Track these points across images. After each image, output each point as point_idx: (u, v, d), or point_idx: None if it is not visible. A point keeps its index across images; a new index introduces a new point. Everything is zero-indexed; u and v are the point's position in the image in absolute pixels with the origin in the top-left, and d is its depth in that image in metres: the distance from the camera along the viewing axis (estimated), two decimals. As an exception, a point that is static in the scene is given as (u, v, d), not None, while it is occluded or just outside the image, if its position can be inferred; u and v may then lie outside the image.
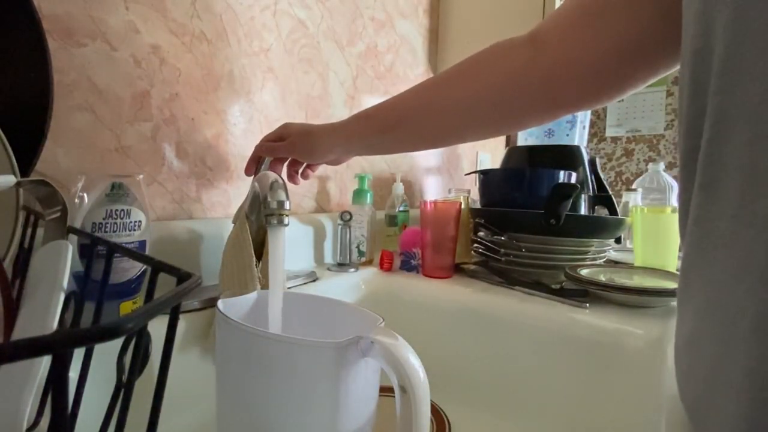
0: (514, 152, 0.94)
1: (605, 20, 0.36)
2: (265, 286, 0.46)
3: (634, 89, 0.40)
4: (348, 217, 0.73)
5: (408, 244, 0.77)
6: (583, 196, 0.82)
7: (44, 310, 0.24)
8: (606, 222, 0.70)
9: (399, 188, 0.91)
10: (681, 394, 0.25)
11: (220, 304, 0.34)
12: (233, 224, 0.49)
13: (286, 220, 0.40)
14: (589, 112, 1.02)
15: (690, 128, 0.24)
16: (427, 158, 1.20)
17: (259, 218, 0.49)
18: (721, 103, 0.21)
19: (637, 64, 0.37)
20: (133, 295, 0.42)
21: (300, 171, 0.60)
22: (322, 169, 0.83)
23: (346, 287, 0.68)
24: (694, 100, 0.23)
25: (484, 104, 0.44)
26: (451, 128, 0.48)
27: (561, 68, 0.40)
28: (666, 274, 0.64)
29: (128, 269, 0.40)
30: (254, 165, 0.57)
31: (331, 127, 0.54)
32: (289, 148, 0.55)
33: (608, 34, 0.36)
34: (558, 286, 0.60)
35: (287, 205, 0.41)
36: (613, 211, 0.86)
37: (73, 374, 0.25)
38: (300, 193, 0.79)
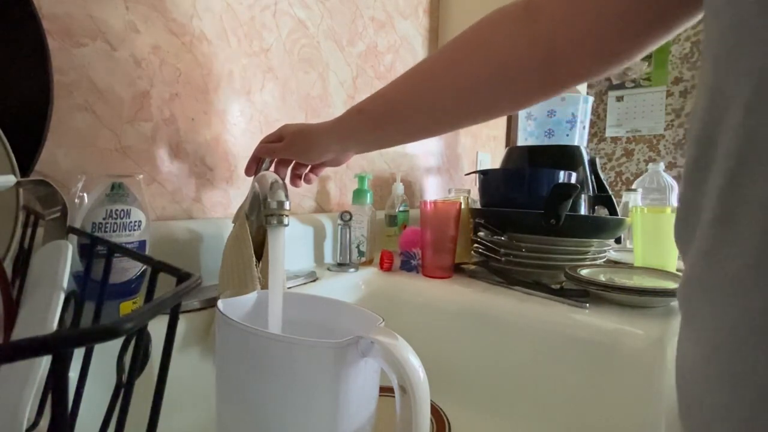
0: (514, 152, 0.94)
1: None
2: (265, 286, 0.46)
3: (645, 50, 0.36)
4: (348, 217, 0.73)
5: (408, 244, 0.77)
6: (583, 196, 0.82)
7: (44, 310, 0.24)
8: (606, 222, 0.70)
9: (399, 188, 0.91)
10: None
11: (220, 304, 0.34)
12: (233, 224, 0.49)
13: (285, 220, 0.40)
14: (589, 112, 1.01)
15: (702, 135, 0.21)
16: (427, 158, 1.20)
17: (259, 218, 0.49)
18: (750, 130, 0.18)
19: (646, 21, 0.33)
20: (133, 295, 0.42)
21: (303, 174, 0.59)
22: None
23: (346, 287, 0.68)
24: (713, 103, 0.20)
25: (482, 86, 0.41)
26: (446, 116, 0.45)
27: (560, 34, 0.36)
28: (666, 274, 0.64)
29: (128, 269, 0.40)
30: (254, 166, 0.57)
31: (326, 126, 0.53)
32: (286, 149, 0.55)
33: None
34: (558, 286, 0.60)
35: (287, 206, 0.41)
36: (613, 211, 0.86)
37: (73, 374, 0.25)
38: (300, 193, 0.79)
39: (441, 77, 0.43)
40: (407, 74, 0.46)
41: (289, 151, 0.55)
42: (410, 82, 0.46)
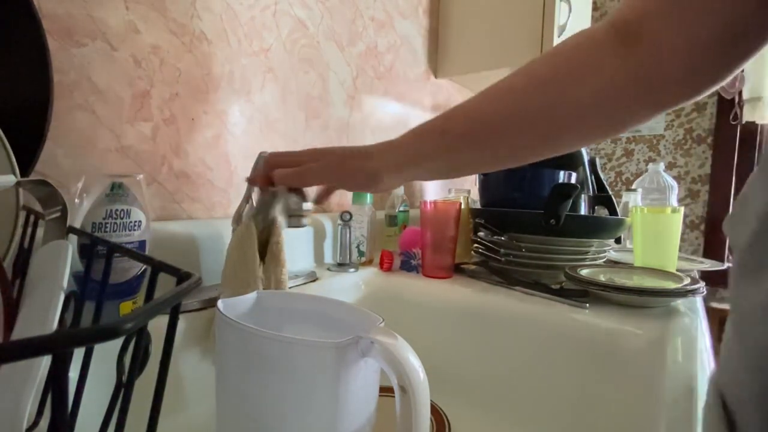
0: (514, 152, 0.94)
1: None
2: (267, 286, 0.47)
3: (745, 63, 0.33)
4: (348, 217, 0.73)
5: (408, 244, 0.77)
6: (583, 196, 0.82)
7: (44, 310, 0.24)
8: (606, 222, 0.70)
9: (399, 188, 0.91)
10: None
11: (220, 304, 0.34)
12: (232, 226, 0.49)
13: (305, 221, 0.40)
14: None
15: None
16: (427, 158, 1.20)
17: (266, 219, 0.49)
18: None
19: (755, 37, 0.31)
20: (133, 295, 0.42)
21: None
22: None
23: (346, 287, 0.68)
24: None
25: (584, 110, 0.38)
26: (543, 139, 0.40)
27: (663, 64, 0.34)
28: (666, 274, 0.63)
29: (128, 269, 0.40)
30: (264, 186, 0.47)
31: (389, 145, 0.44)
32: (322, 170, 0.45)
33: (717, 9, 0.30)
34: (558, 286, 0.60)
35: (307, 206, 0.40)
36: (613, 211, 0.86)
37: (73, 374, 0.25)
38: (300, 193, 0.79)
39: (533, 97, 0.39)
40: (491, 93, 0.41)
41: (325, 172, 0.45)
42: (502, 100, 0.40)
